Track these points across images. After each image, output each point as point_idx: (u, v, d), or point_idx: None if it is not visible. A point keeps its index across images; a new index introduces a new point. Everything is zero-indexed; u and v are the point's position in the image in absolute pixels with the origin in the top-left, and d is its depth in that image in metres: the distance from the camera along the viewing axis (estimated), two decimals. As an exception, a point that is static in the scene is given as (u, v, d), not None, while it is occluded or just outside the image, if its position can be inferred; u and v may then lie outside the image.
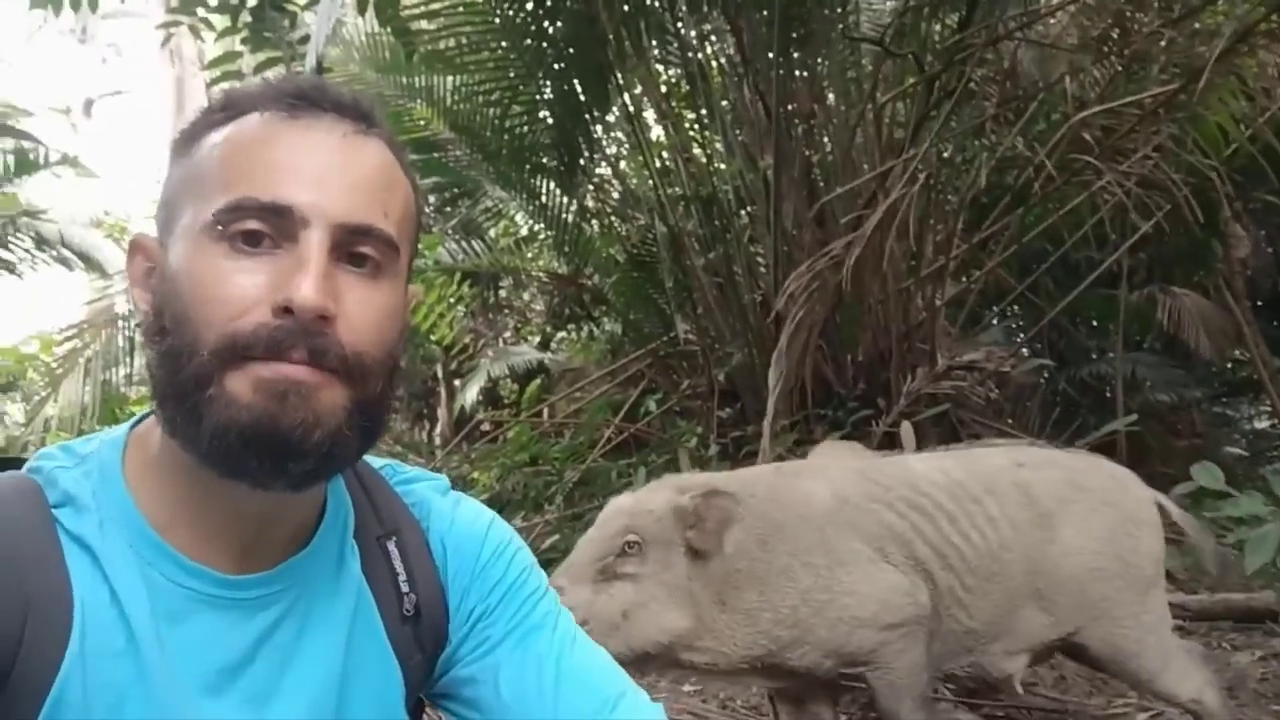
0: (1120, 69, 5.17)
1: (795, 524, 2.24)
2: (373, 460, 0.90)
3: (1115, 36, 5.32)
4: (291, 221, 0.71)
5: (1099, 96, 5.04)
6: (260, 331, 0.69)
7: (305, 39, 4.01)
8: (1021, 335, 6.60)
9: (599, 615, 2.03)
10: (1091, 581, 2.34)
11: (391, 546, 0.86)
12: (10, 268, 9.97)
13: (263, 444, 0.69)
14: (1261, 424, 7.77)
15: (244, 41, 4.18)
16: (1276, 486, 2.91)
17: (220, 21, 4.32)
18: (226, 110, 0.77)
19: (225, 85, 3.19)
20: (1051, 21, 5.42)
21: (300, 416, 0.69)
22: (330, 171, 0.73)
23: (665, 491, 2.22)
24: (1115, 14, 5.28)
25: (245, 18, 4.05)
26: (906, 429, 4.19)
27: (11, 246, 9.88)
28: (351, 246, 0.73)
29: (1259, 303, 7.10)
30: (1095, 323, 7.35)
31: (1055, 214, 5.13)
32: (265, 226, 0.71)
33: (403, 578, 0.85)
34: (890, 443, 4.43)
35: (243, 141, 0.74)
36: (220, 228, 0.71)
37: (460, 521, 0.90)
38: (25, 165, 9.71)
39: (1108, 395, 6.57)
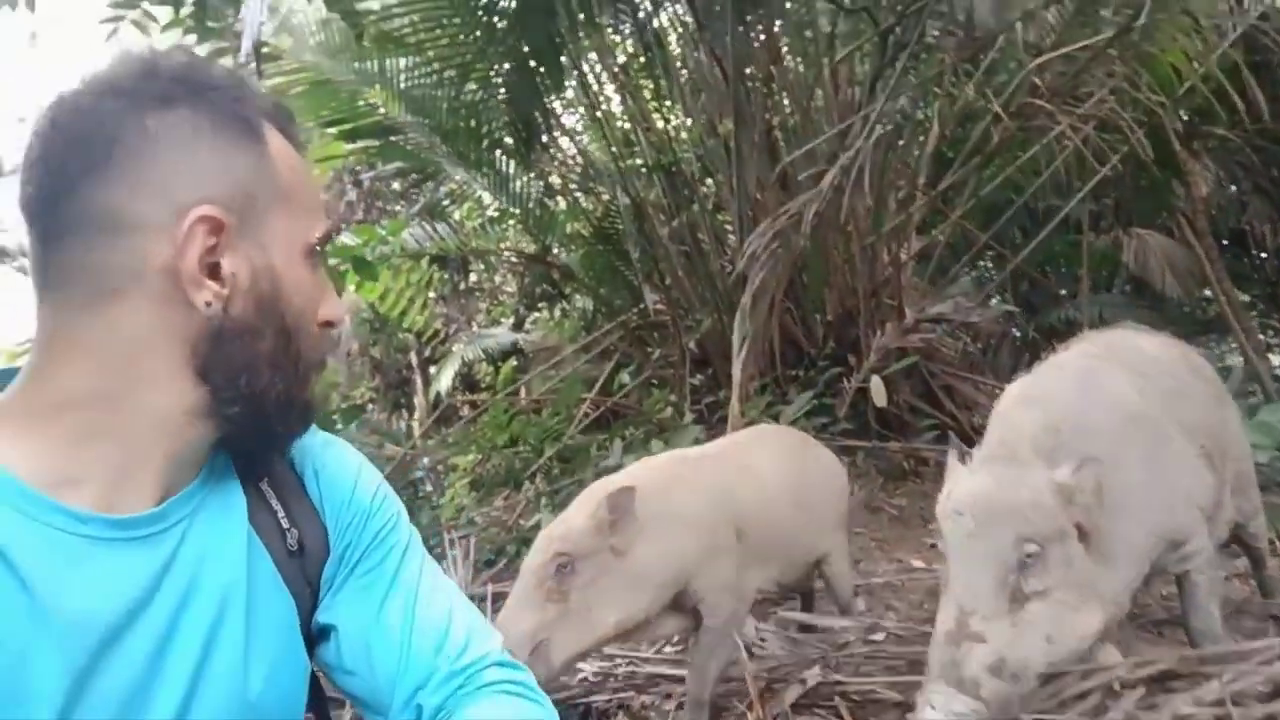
0: (1073, 12, 5.16)
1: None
2: None
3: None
4: None
5: (1053, 44, 5.03)
6: (328, 341, 0.86)
7: (248, 27, 3.93)
8: (990, 286, 6.64)
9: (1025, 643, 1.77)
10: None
11: (265, 487, 0.87)
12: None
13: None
14: (1233, 360, 7.85)
15: (187, 32, 4.09)
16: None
17: (164, 15, 4.23)
18: (265, 109, 0.82)
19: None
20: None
21: None
22: None
23: (1015, 471, 1.88)
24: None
25: (187, 8, 3.96)
26: (876, 384, 4.23)
27: (-33, 258, 9.73)
28: None
29: (1223, 241, 7.16)
30: (1063, 269, 7.40)
31: (1015, 163, 5.14)
32: None
33: (281, 515, 0.87)
34: (862, 398, 4.47)
35: (307, 168, 0.86)
36: (318, 250, 0.83)
37: (332, 462, 0.93)
38: (-18, 175, 9.55)
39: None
